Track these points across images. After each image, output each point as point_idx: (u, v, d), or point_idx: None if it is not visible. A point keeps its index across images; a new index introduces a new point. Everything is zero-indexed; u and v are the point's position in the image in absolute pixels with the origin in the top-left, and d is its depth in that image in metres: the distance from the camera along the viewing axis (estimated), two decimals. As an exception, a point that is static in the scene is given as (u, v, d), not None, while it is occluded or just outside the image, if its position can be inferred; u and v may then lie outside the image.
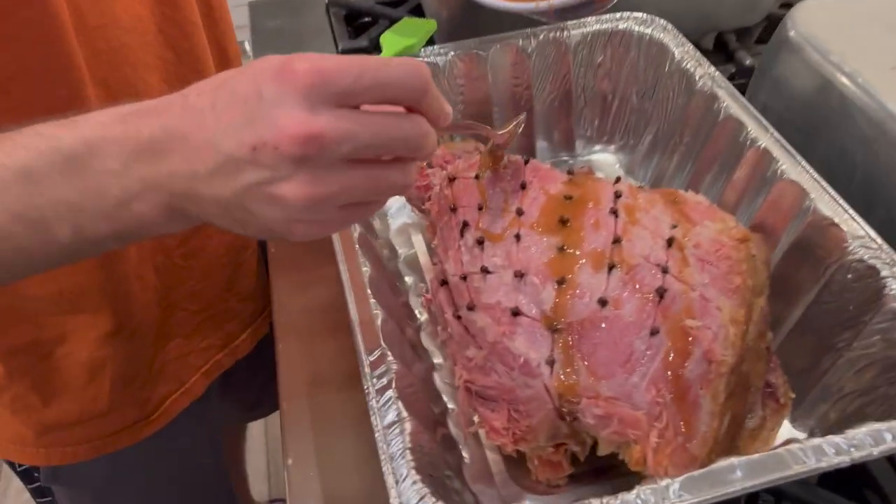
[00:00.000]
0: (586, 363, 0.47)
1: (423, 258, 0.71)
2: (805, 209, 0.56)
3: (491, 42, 0.73)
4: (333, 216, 0.38)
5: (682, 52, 0.71)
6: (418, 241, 0.73)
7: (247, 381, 0.86)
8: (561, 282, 0.49)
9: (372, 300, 0.51)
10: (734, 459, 0.42)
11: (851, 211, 0.54)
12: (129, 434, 0.71)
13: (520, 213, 0.55)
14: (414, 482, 0.42)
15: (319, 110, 0.34)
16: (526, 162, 0.60)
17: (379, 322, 0.50)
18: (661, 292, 0.48)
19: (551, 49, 0.75)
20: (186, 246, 0.68)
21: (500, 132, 0.56)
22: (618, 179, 0.59)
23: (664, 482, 0.41)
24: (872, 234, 0.52)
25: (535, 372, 0.48)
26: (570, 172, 0.61)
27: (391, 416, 0.45)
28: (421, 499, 0.41)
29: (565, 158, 0.80)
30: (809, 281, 0.55)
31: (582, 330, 0.48)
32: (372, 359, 0.48)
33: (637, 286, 0.49)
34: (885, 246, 0.52)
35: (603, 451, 0.48)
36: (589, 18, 0.75)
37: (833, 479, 0.55)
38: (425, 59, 0.72)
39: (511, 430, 0.50)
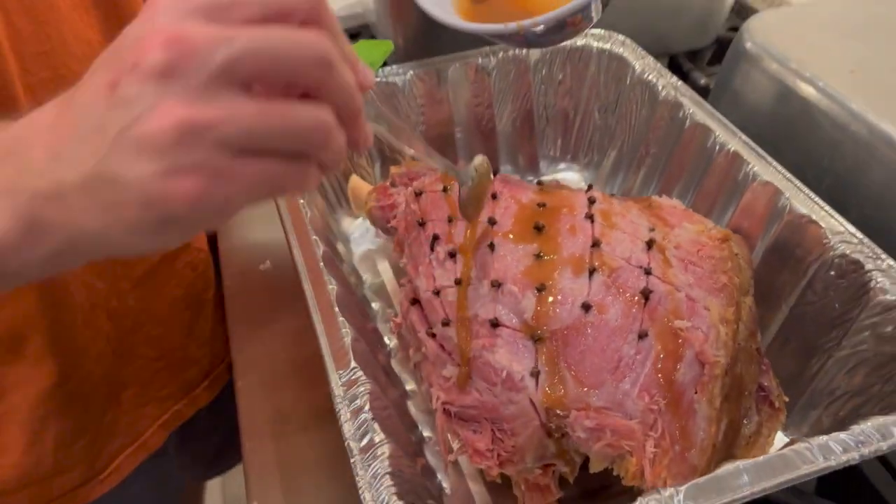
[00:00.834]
0: (573, 372, 0.44)
1: (391, 285, 0.68)
2: (781, 209, 0.55)
3: (450, 61, 0.72)
4: (220, 162, 0.28)
5: (643, 64, 0.70)
6: (384, 268, 0.70)
7: (206, 432, 0.80)
8: (541, 289, 0.47)
9: (340, 318, 0.48)
10: (739, 463, 0.39)
11: (828, 207, 0.53)
12: (77, 496, 0.65)
13: (492, 222, 0.52)
14: (396, 510, 0.38)
15: (185, 19, 0.28)
16: (495, 173, 0.58)
17: (349, 340, 0.46)
18: (646, 294, 0.46)
19: (511, 67, 0.73)
20: (143, 287, 0.64)
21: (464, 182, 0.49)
22: (590, 187, 0.57)
23: (667, 492, 0.38)
24: (852, 229, 0.51)
25: (518, 385, 0.45)
26: (539, 183, 0.59)
27: (368, 439, 0.41)
28: (404, 528, 0.37)
29: (530, 179, 0.78)
30: (791, 282, 0.54)
31: (566, 338, 0.45)
32: (344, 379, 0.44)
33: (620, 289, 0.46)
34: (866, 240, 0.50)
35: (595, 467, 0.45)
36: (547, 36, 0.74)
37: (830, 488, 0.53)
38: (383, 79, 0.71)
39: (496, 451, 0.46)
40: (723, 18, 0.99)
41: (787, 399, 0.50)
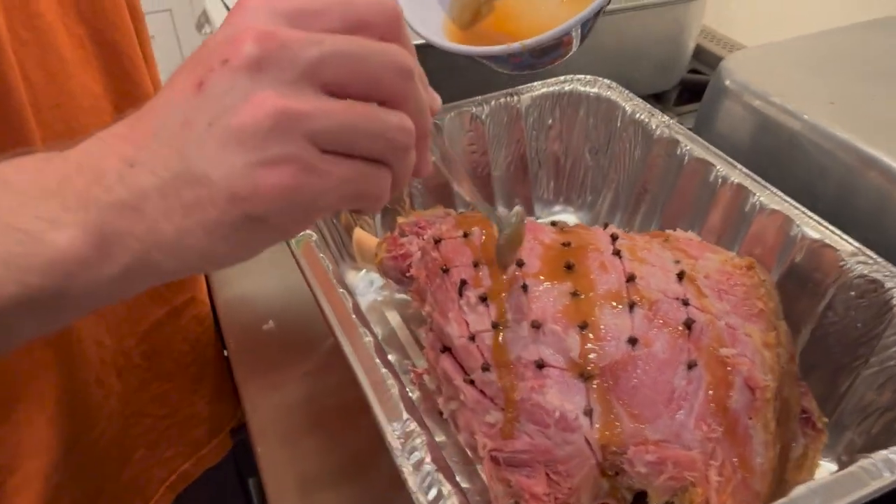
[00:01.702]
0: (627, 408, 0.44)
1: (402, 335, 0.67)
2: (793, 237, 0.56)
3: (445, 111, 0.73)
4: (311, 156, 0.28)
5: (633, 105, 0.73)
6: (393, 318, 0.69)
7: (213, 494, 0.77)
8: (583, 326, 0.47)
9: (383, 370, 0.47)
10: (803, 487, 0.39)
11: (839, 231, 0.55)
12: None
13: (520, 264, 0.52)
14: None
15: (273, 21, 0.28)
16: (511, 217, 0.58)
17: (396, 391, 0.45)
18: (688, 324, 0.46)
19: (503, 114, 0.75)
20: (148, 343, 0.61)
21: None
22: (606, 225, 0.58)
23: (747, 520, 0.38)
24: (866, 250, 0.53)
25: (573, 425, 0.45)
26: (553, 224, 0.60)
27: (435, 492, 0.40)
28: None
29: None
30: (810, 306, 0.55)
31: (616, 373, 0.45)
32: (398, 431, 0.43)
33: (663, 321, 0.47)
34: (881, 259, 0.52)
35: (655, 502, 0.45)
36: (535, 83, 0.76)
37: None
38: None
39: (553, 494, 0.45)
40: (686, 61, 1.03)
41: (826, 420, 0.50)
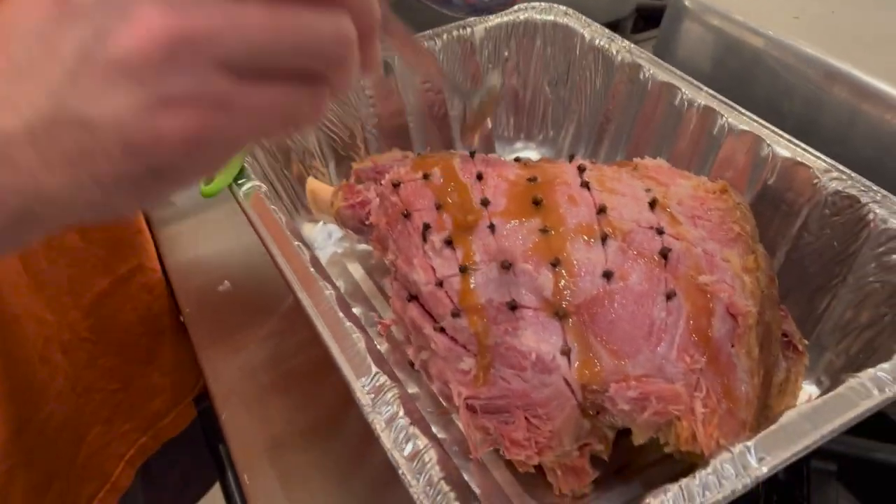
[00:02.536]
0: (605, 344, 0.42)
1: (366, 287, 0.64)
2: (764, 157, 0.54)
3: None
4: (220, 88, 0.22)
5: (591, 31, 0.69)
6: (356, 270, 0.66)
7: (171, 463, 0.74)
8: (556, 263, 0.44)
9: (347, 323, 0.44)
10: (794, 412, 0.38)
11: (811, 149, 0.53)
12: None
13: (485, 203, 0.49)
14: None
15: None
16: (472, 155, 0.55)
17: (362, 345, 0.43)
18: (664, 253, 0.44)
19: (457, 48, 0.71)
20: (94, 316, 0.57)
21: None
22: (572, 157, 0.55)
23: (736, 449, 0.36)
24: (839, 165, 0.51)
25: (550, 366, 0.42)
26: (517, 160, 0.57)
27: (412, 447, 0.37)
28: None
29: (487, 162, 0.76)
30: (785, 227, 0.54)
31: (592, 309, 0.43)
32: (368, 387, 0.40)
33: (637, 252, 0.45)
34: (855, 174, 0.51)
35: (639, 439, 0.43)
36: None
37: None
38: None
39: (533, 439, 0.44)
40: (641, -13, 1.00)
41: (807, 342, 0.49)
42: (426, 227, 0.50)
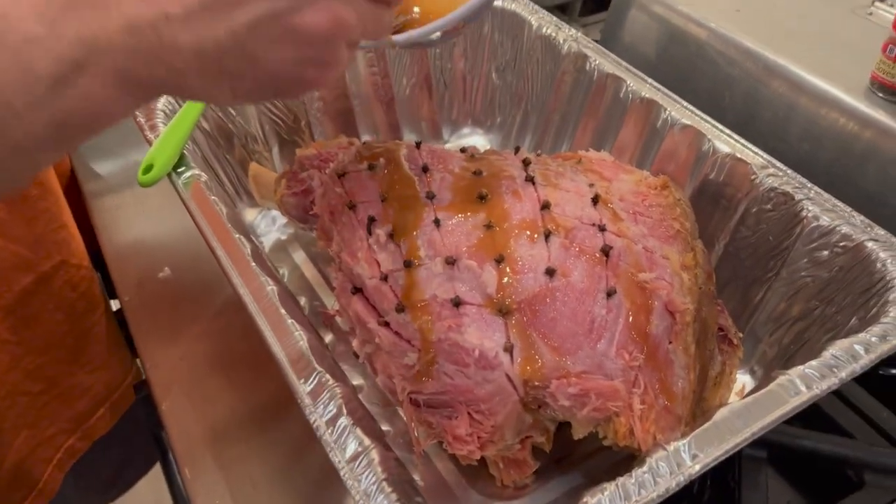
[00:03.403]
0: (547, 341, 0.43)
1: (311, 275, 0.64)
2: (705, 152, 0.55)
3: (341, 30, 0.67)
4: (341, 55, 0.32)
5: (538, 18, 0.69)
6: (300, 258, 0.65)
7: (99, 461, 0.72)
8: (500, 260, 0.45)
9: (289, 320, 0.43)
10: (726, 409, 0.39)
11: (751, 145, 0.54)
12: None
13: (430, 196, 0.49)
14: (401, 518, 0.35)
15: None
16: (418, 145, 0.55)
17: (304, 344, 0.42)
18: (605, 251, 0.45)
19: (404, 32, 0.70)
20: (16, 316, 0.55)
21: None
22: (517, 149, 0.55)
23: (671, 447, 0.37)
24: (776, 162, 0.53)
25: (493, 363, 0.43)
26: (463, 150, 0.57)
27: (353, 449, 0.37)
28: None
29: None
30: (723, 220, 0.55)
31: (534, 306, 0.43)
32: (311, 387, 0.40)
33: (579, 249, 0.45)
34: (790, 171, 0.52)
35: (579, 433, 0.44)
36: (436, -3, 0.71)
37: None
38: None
39: (475, 434, 0.44)
40: (590, -31, 1.00)
41: (741, 335, 0.51)
42: (371, 220, 0.50)
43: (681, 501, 0.38)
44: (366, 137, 0.72)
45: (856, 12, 0.66)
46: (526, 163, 0.52)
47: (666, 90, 0.60)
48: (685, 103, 0.58)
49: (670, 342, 0.43)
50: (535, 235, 0.46)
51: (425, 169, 0.52)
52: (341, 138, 0.63)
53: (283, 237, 0.67)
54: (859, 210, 0.50)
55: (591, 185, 0.50)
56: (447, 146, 0.76)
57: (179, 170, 0.54)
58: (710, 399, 0.47)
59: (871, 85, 0.57)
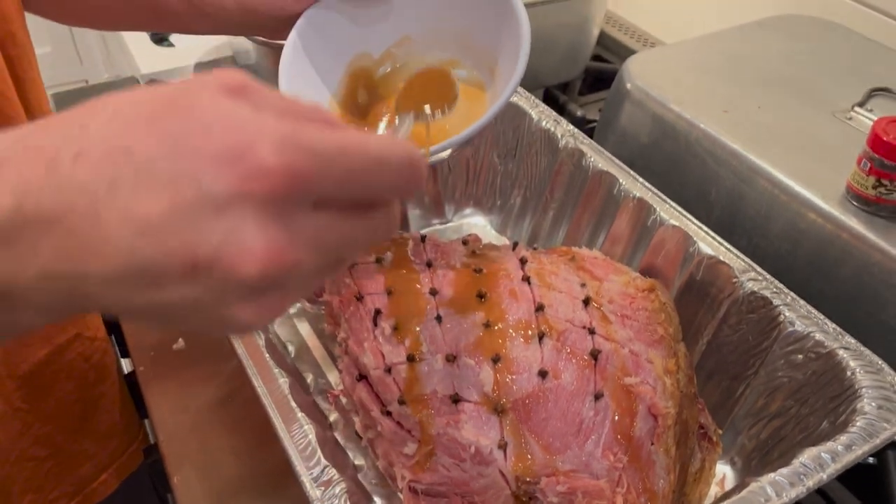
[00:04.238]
0: (538, 439, 0.46)
1: (316, 350, 0.67)
2: (691, 253, 0.59)
3: (353, 119, 0.72)
4: (299, 290, 0.28)
5: (538, 112, 0.74)
6: (304, 328, 0.68)
7: None
8: (496, 360, 0.48)
9: (300, 413, 0.47)
10: (703, 511, 0.42)
11: (734, 249, 0.58)
12: None
13: (434, 293, 0.53)
14: None
15: (289, 223, 0.25)
16: (423, 238, 0.59)
17: (313, 437, 0.46)
18: (594, 354, 0.48)
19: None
20: (29, 386, 0.58)
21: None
22: (515, 245, 0.59)
23: (650, 550, 0.40)
24: (756, 266, 0.57)
25: (488, 459, 0.46)
26: (464, 243, 0.61)
27: (357, 542, 0.40)
28: None
29: (437, 224, 0.80)
30: (707, 317, 0.59)
31: (528, 406, 0.47)
32: (319, 481, 0.43)
33: (570, 351, 0.49)
34: (769, 276, 0.56)
35: (567, 526, 0.47)
36: (443, 87, 0.75)
37: None
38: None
39: (470, 523, 0.47)
40: (589, 51, 1.05)
41: (721, 432, 0.54)
42: (377, 312, 0.53)
43: None
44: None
45: (836, 116, 0.71)
46: (523, 261, 0.56)
47: (656, 190, 0.64)
48: (673, 204, 0.62)
49: (652, 443, 0.47)
50: (530, 333, 0.49)
51: (429, 264, 0.55)
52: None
53: (293, 310, 0.70)
54: (834, 310, 0.54)
55: (583, 286, 0.54)
56: (450, 225, 0.80)
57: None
58: (689, 494, 0.50)
59: (847, 193, 0.61)
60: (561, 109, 1.01)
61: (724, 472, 0.56)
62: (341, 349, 0.58)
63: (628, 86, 0.78)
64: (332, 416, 0.61)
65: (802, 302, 0.54)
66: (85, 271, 0.25)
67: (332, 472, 0.44)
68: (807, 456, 0.45)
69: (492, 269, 0.55)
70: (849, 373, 0.50)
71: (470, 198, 0.80)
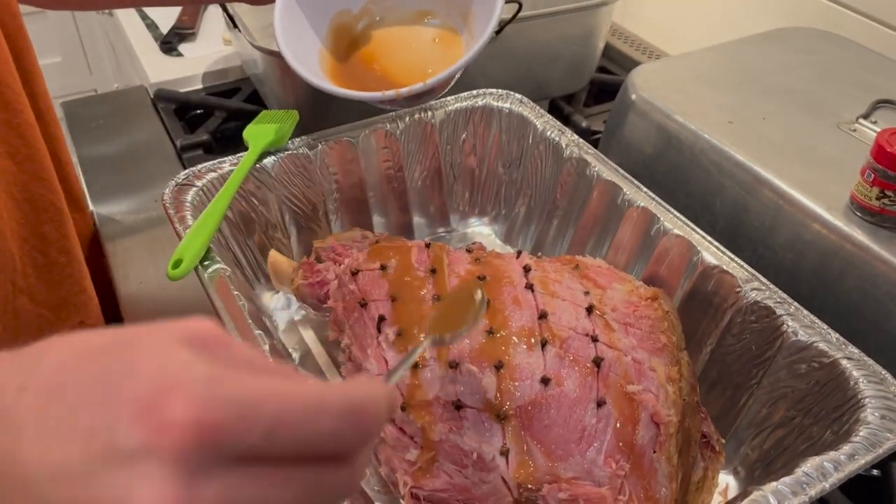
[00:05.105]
0: (540, 446, 0.46)
1: (320, 357, 0.67)
2: (694, 262, 0.59)
3: (359, 128, 0.72)
4: None
5: (543, 122, 0.74)
6: (308, 336, 0.69)
7: None
8: (499, 366, 0.48)
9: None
10: (704, 519, 0.42)
11: (735, 257, 0.58)
12: None
13: (437, 300, 0.53)
14: None
15: (194, 479, 0.23)
16: (427, 246, 0.59)
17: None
18: (597, 362, 0.48)
19: (418, 130, 0.75)
20: None
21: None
22: (519, 253, 0.60)
23: (651, 558, 0.40)
24: (759, 276, 0.57)
25: (490, 466, 0.46)
26: (468, 251, 0.61)
27: (358, 547, 0.41)
28: None
29: (442, 232, 0.80)
30: (711, 327, 0.59)
31: (530, 413, 0.47)
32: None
33: (572, 358, 0.49)
34: (773, 286, 0.56)
35: (568, 534, 0.47)
36: (448, 98, 0.76)
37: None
38: (294, 151, 0.70)
39: (472, 530, 0.47)
40: (595, 63, 1.06)
41: (724, 441, 0.54)
42: (381, 318, 0.53)
43: None
44: (378, 220, 0.76)
45: (840, 127, 0.71)
46: (526, 269, 0.56)
47: (660, 200, 0.64)
48: (677, 213, 0.62)
49: (654, 451, 0.47)
50: (533, 343, 0.49)
51: (433, 271, 0.56)
52: (355, 231, 0.67)
53: (297, 318, 0.70)
54: (838, 321, 0.54)
55: (587, 294, 0.54)
56: (455, 234, 0.80)
57: (205, 263, 0.58)
58: (692, 503, 0.50)
59: (851, 204, 0.61)
60: (566, 121, 1.01)
61: (727, 482, 0.56)
62: (345, 355, 0.59)
63: (633, 97, 0.78)
64: (336, 423, 0.61)
65: (806, 312, 0.54)
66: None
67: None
68: (809, 465, 0.45)
69: (495, 277, 0.55)
70: (852, 382, 0.50)
71: (475, 206, 0.80)
